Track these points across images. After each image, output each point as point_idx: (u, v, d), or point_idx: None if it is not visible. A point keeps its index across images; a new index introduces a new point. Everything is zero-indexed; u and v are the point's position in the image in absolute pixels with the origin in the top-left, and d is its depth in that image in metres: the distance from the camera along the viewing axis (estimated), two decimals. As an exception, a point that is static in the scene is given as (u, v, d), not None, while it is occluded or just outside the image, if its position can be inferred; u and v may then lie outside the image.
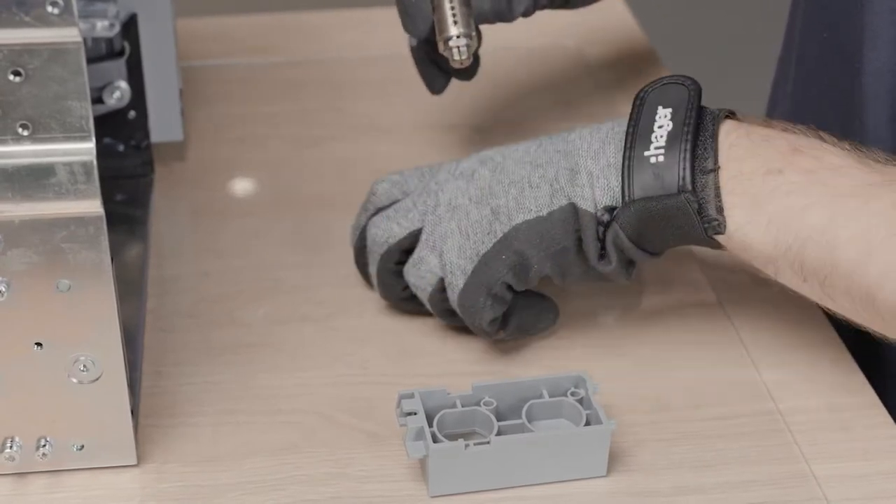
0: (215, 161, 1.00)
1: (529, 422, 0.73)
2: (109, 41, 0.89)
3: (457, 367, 0.82)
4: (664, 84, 0.77)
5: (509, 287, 0.78)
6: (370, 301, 0.86)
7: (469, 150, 1.02)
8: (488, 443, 0.72)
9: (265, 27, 1.18)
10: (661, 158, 0.74)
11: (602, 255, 0.76)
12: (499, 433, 0.72)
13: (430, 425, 0.72)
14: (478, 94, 1.10)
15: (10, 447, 0.71)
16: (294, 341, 0.83)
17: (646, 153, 0.74)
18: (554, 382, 0.75)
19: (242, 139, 1.03)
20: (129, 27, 0.90)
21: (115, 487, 0.73)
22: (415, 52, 0.93)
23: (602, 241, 0.76)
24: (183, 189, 0.97)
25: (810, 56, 0.94)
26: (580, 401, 0.74)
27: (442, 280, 0.80)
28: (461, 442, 0.71)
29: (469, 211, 0.79)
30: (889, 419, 0.78)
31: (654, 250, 0.77)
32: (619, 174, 0.75)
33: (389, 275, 0.83)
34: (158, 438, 0.76)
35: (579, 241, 0.76)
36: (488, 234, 0.78)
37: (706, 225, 0.73)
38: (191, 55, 1.11)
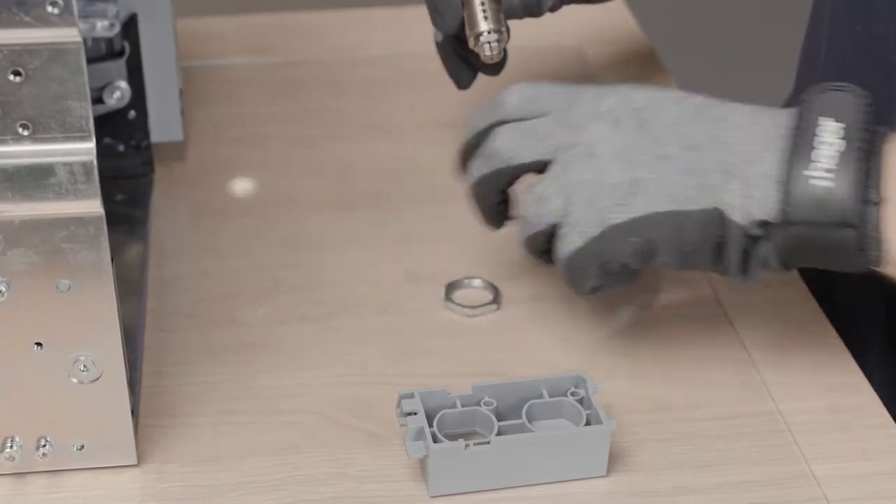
0: (215, 161, 1.00)
1: (529, 422, 0.73)
2: (109, 41, 0.89)
3: (457, 367, 0.82)
4: (830, 90, 0.72)
5: (624, 265, 0.75)
6: (370, 301, 0.86)
7: (469, 150, 1.02)
8: (488, 443, 0.72)
9: (265, 27, 1.18)
10: (825, 183, 0.70)
11: (745, 267, 0.73)
12: (499, 433, 0.72)
13: (430, 425, 0.72)
14: (478, 94, 1.09)
15: (10, 447, 0.71)
16: (294, 341, 0.83)
17: (809, 173, 0.70)
18: (554, 382, 0.75)
19: (242, 139, 1.03)
20: (129, 27, 0.90)
21: (115, 487, 0.73)
22: (441, 47, 0.92)
23: (746, 253, 0.73)
24: (183, 189, 0.97)
25: (840, 49, 0.92)
26: (580, 401, 0.74)
27: (555, 226, 0.76)
28: (461, 442, 0.71)
29: (608, 167, 0.74)
30: (889, 419, 0.78)
31: (795, 267, 0.75)
32: (777, 188, 0.71)
33: (491, 186, 0.79)
34: (158, 438, 0.76)
35: (717, 245, 0.73)
36: (621, 204, 0.73)
37: (864, 259, 0.71)
38: (191, 55, 1.11)
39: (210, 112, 1.05)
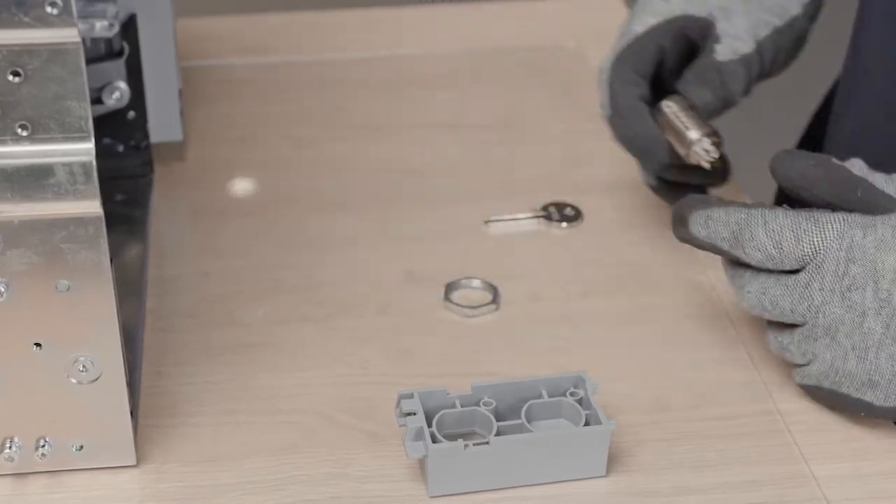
0: (215, 161, 1.00)
1: (529, 422, 0.73)
2: (109, 41, 0.89)
3: (457, 367, 0.82)
4: None
5: None
6: (370, 301, 0.86)
7: (468, 150, 1.02)
8: (488, 443, 0.71)
9: (265, 27, 1.18)
10: None
11: None
12: (498, 433, 0.72)
13: (430, 425, 0.72)
14: (478, 94, 1.10)
15: (10, 447, 0.71)
16: (294, 341, 0.83)
17: None
18: (553, 382, 0.75)
19: (242, 139, 1.03)
20: (129, 27, 0.90)
21: (115, 488, 0.73)
22: (658, 190, 0.89)
23: None
24: (183, 189, 0.97)
25: (880, 75, 0.89)
26: (579, 401, 0.74)
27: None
28: (460, 442, 0.71)
29: (847, 357, 0.73)
30: (889, 419, 0.78)
31: None
32: None
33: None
34: (158, 438, 0.76)
35: None
36: (862, 393, 0.74)
37: None
38: (191, 55, 1.11)
39: (210, 112, 1.05)
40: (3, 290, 0.67)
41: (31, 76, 0.63)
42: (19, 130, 0.65)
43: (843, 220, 0.72)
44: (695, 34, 0.84)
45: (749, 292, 0.75)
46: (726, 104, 0.85)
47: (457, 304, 0.86)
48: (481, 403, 0.74)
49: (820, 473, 0.74)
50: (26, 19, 0.62)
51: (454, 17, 1.19)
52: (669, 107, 0.84)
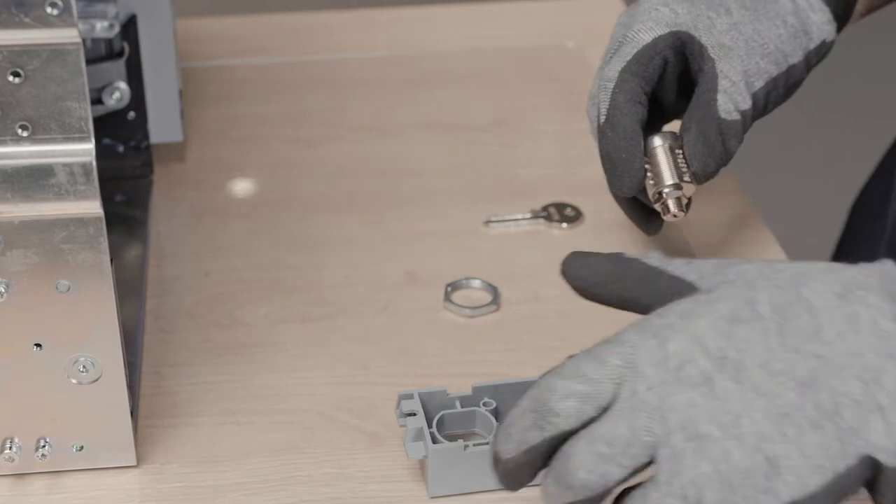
0: (215, 161, 1.00)
1: (529, 422, 0.73)
2: (109, 42, 0.89)
3: (457, 367, 0.82)
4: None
5: None
6: (370, 301, 0.86)
7: (469, 150, 1.02)
8: (488, 443, 0.71)
9: (265, 27, 1.18)
10: None
11: None
12: (498, 433, 0.72)
13: (430, 426, 0.72)
14: (478, 94, 1.10)
15: (10, 448, 0.71)
16: (294, 341, 0.83)
17: None
18: (554, 383, 0.75)
19: (242, 139, 1.03)
20: (129, 28, 0.90)
21: (115, 488, 0.73)
22: (618, 198, 0.87)
23: None
24: (183, 189, 0.97)
25: None
26: (580, 401, 0.74)
27: None
28: (461, 443, 0.71)
29: (728, 450, 0.58)
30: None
31: None
32: None
33: None
34: (158, 439, 0.76)
35: (868, 490, 0.61)
36: (765, 492, 0.58)
37: None
38: (191, 55, 1.11)
39: (210, 112, 1.05)
40: (3, 290, 0.67)
41: (32, 76, 0.63)
42: (19, 131, 0.65)
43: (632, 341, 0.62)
44: (693, 54, 0.83)
45: (580, 465, 0.60)
46: (722, 166, 0.83)
47: (457, 305, 0.86)
48: (481, 404, 0.74)
49: (820, 473, 0.74)
50: (26, 20, 0.63)
51: (454, 17, 1.19)
52: (660, 145, 0.83)
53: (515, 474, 0.62)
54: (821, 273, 0.63)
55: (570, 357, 0.63)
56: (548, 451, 0.62)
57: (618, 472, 0.59)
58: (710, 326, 0.61)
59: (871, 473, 0.59)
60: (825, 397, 0.59)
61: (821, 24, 0.84)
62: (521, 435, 0.62)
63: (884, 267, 0.62)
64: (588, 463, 0.59)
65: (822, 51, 0.84)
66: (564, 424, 0.61)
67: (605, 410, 0.60)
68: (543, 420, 0.61)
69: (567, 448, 0.60)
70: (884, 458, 0.58)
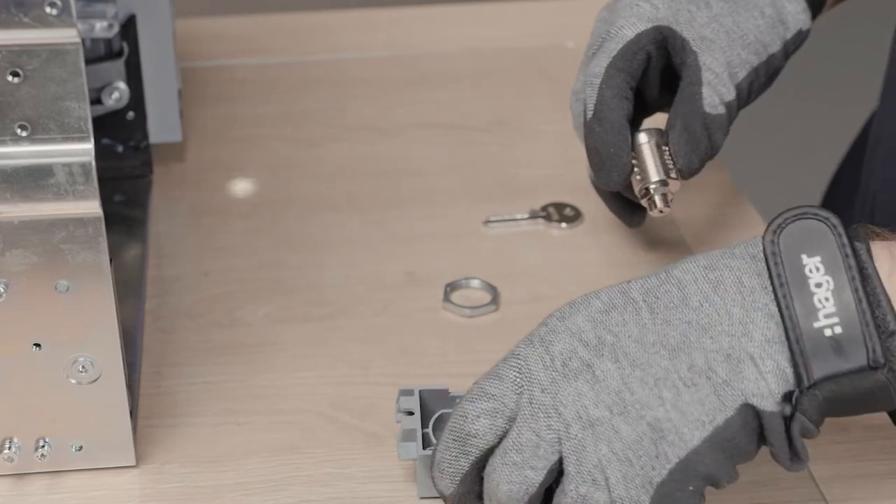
0: (215, 161, 1.00)
1: (529, 422, 0.73)
2: (108, 42, 0.89)
3: (457, 367, 0.82)
4: (792, 221, 0.65)
5: None
6: (370, 301, 0.86)
7: (468, 150, 1.02)
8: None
9: (265, 27, 1.18)
10: (838, 329, 0.62)
11: (793, 455, 0.64)
12: (498, 433, 0.72)
13: (427, 425, 0.72)
14: (478, 94, 1.10)
15: (9, 448, 0.71)
16: (294, 341, 0.83)
17: (817, 324, 0.62)
18: (553, 382, 0.75)
19: (242, 139, 1.03)
20: (128, 28, 0.90)
21: (115, 488, 0.73)
22: (599, 190, 0.88)
23: (789, 436, 0.63)
24: (182, 189, 0.97)
25: None
26: (580, 401, 0.74)
27: None
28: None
29: (617, 428, 0.63)
30: (888, 420, 0.78)
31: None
32: (787, 353, 0.63)
33: None
34: (158, 438, 0.76)
35: (762, 439, 0.64)
36: (657, 457, 0.62)
37: None
38: (190, 55, 1.11)
39: (210, 112, 1.05)
40: (2, 290, 0.67)
41: (31, 76, 0.63)
42: (19, 131, 0.65)
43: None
44: (675, 48, 0.83)
45: (500, 479, 0.64)
46: (708, 160, 0.83)
47: (457, 305, 0.86)
48: (481, 403, 0.74)
49: (819, 474, 0.74)
50: (26, 19, 0.62)
51: (454, 17, 1.19)
52: (647, 142, 0.83)
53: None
54: (695, 257, 0.67)
55: (475, 382, 0.66)
56: (479, 475, 0.66)
57: (534, 475, 0.63)
58: (586, 319, 0.65)
59: (757, 424, 0.63)
60: (697, 357, 0.63)
61: (796, 13, 0.85)
62: (452, 467, 0.66)
63: (749, 239, 0.66)
64: (507, 475, 0.64)
65: (799, 40, 0.86)
66: (483, 444, 0.65)
67: (514, 421, 0.65)
68: (465, 445, 0.65)
69: (487, 468, 0.65)
70: (760, 404, 0.62)
